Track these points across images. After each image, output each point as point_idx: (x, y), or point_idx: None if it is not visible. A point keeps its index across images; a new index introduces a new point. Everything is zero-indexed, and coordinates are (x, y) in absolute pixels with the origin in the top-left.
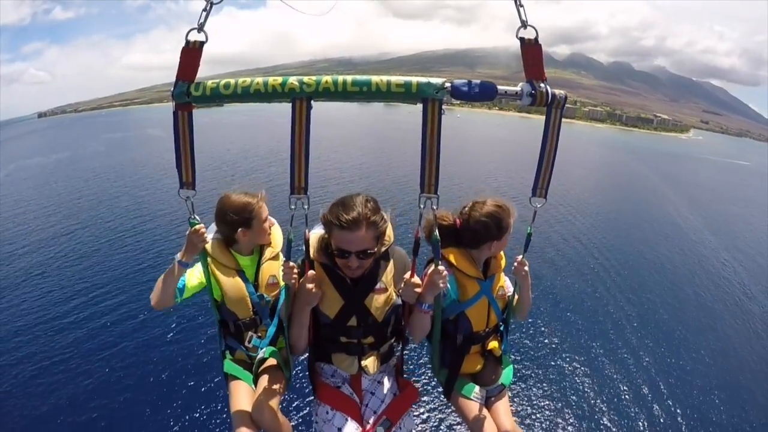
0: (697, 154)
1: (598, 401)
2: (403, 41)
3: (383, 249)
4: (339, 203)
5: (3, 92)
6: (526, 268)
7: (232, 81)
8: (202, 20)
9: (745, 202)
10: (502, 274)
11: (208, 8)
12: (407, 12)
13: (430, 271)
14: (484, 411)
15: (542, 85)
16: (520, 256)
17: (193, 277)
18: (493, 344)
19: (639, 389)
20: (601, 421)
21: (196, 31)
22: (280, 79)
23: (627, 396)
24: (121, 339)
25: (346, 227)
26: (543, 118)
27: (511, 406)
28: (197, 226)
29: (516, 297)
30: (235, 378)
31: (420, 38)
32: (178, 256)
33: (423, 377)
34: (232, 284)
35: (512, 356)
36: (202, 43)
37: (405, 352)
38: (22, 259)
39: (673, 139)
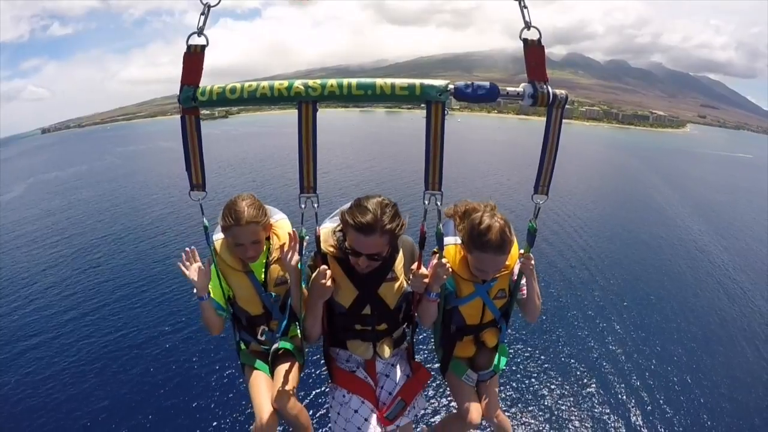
0: (689, 148)
1: (589, 392)
2: (400, 47)
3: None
4: (358, 204)
5: (3, 109)
6: (532, 263)
7: (238, 85)
8: (200, 24)
9: (730, 191)
10: (513, 277)
11: (205, 11)
12: (402, 18)
13: (433, 263)
14: (473, 393)
15: (544, 86)
16: (522, 251)
17: (213, 290)
18: (487, 336)
19: (631, 382)
20: (591, 412)
21: (196, 35)
22: (285, 83)
23: (618, 388)
24: (147, 333)
25: (360, 230)
26: (541, 119)
27: (500, 391)
28: (187, 274)
29: (524, 296)
30: (253, 368)
31: (416, 44)
32: (195, 293)
33: (433, 357)
34: (241, 285)
35: (507, 345)
36: (203, 47)
37: (415, 335)
38: (53, 267)
39: (669, 134)
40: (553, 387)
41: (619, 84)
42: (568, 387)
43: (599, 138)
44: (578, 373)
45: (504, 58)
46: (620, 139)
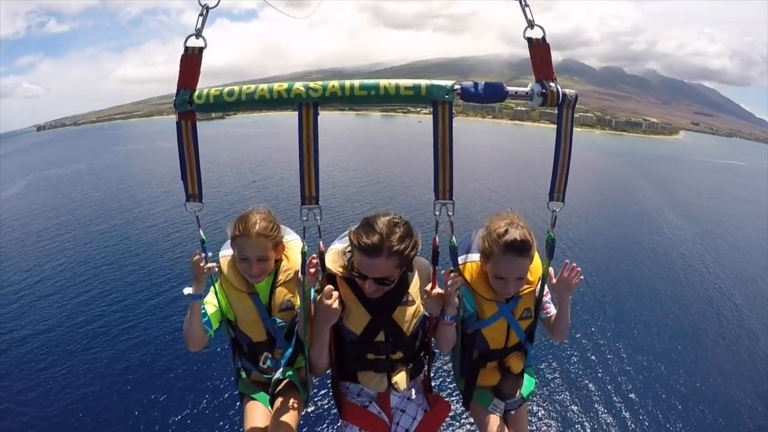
0: (680, 155)
1: (620, 414)
2: (396, 51)
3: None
4: (365, 223)
5: None
6: (581, 277)
7: (236, 88)
8: (199, 25)
9: (717, 197)
10: (537, 295)
11: (204, 13)
12: (399, 22)
13: (448, 282)
14: (501, 423)
15: (552, 84)
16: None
17: (210, 305)
18: (512, 362)
19: (658, 400)
20: None
21: (194, 37)
22: (285, 85)
23: (645, 406)
24: (138, 349)
25: (365, 252)
26: (535, 125)
27: (529, 419)
28: (196, 258)
29: (552, 315)
30: (251, 398)
31: (412, 48)
32: (187, 289)
33: (449, 387)
34: (245, 308)
35: (534, 369)
36: (201, 49)
37: (432, 365)
38: (54, 265)
39: (661, 141)
40: (581, 411)
41: (614, 91)
42: (598, 409)
43: (592, 144)
44: (606, 393)
45: (499, 63)
46: (613, 145)
